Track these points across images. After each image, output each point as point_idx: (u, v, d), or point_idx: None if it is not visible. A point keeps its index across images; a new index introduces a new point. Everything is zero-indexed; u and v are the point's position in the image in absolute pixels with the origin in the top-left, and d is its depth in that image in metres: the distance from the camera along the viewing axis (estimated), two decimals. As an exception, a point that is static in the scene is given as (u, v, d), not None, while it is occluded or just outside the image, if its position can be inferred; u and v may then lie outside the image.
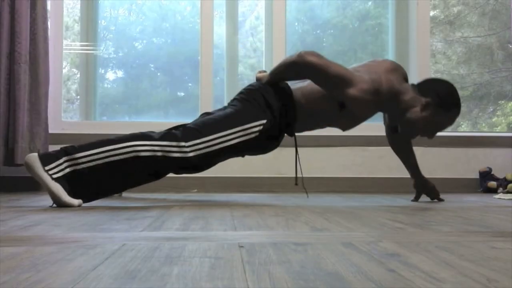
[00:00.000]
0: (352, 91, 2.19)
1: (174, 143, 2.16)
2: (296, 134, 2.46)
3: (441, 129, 2.35)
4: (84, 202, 2.10)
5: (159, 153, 2.14)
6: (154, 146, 2.14)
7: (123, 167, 2.12)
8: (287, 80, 2.38)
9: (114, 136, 2.19)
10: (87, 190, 2.10)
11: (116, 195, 2.65)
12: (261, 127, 2.25)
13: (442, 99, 2.27)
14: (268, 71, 2.43)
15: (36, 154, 2.06)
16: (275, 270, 0.89)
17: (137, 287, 0.77)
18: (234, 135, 2.22)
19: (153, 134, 2.19)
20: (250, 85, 2.43)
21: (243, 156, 2.42)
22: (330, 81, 2.21)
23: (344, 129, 2.48)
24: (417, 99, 2.28)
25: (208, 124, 2.24)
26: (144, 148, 2.13)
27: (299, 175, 2.52)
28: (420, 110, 2.27)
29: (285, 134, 2.43)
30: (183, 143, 2.16)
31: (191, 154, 2.16)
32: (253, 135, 2.24)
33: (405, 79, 2.40)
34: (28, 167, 2.04)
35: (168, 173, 2.27)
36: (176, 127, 2.29)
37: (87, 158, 2.09)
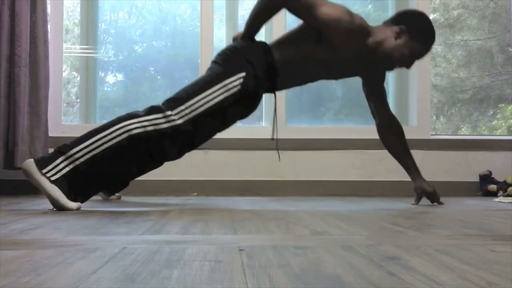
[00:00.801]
0: (325, 8, 2.23)
1: (160, 115, 2.17)
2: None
3: (418, 57, 2.37)
4: (89, 197, 2.11)
5: (150, 128, 2.15)
6: (143, 122, 2.15)
7: (120, 151, 2.12)
8: (263, 23, 2.39)
9: (101, 124, 2.19)
10: (91, 184, 2.10)
11: (114, 197, 2.65)
12: (242, 79, 2.26)
13: (415, 25, 2.32)
14: None
15: (32, 160, 2.06)
16: (275, 273, 0.89)
17: (137, 290, 0.77)
18: (217, 93, 2.23)
19: (138, 112, 2.21)
20: (227, 46, 2.44)
21: (233, 121, 2.38)
22: (302, 4, 2.25)
23: (329, 75, 2.50)
24: (389, 30, 2.32)
25: (188, 89, 2.26)
26: (134, 125, 2.14)
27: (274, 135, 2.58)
28: (394, 39, 2.30)
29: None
30: (169, 112, 2.17)
31: (179, 121, 2.17)
32: (235, 89, 2.24)
33: None
34: (26, 173, 2.04)
35: (166, 153, 2.24)
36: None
37: (83, 151, 2.09)
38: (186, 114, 2.19)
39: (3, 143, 2.97)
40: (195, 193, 3.18)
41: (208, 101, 2.22)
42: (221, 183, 3.25)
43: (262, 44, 2.40)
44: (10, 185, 3.08)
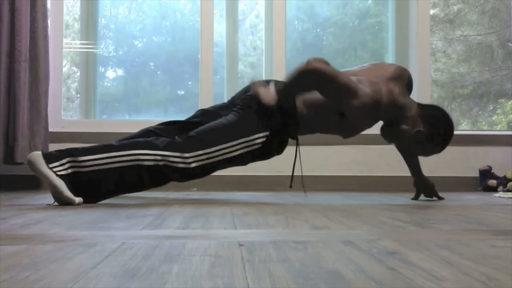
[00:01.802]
0: (354, 102, 2.19)
1: (177, 154, 2.17)
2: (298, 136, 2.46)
3: (421, 154, 2.48)
4: (89, 203, 2.11)
5: (161, 163, 2.15)
6: (157, 156, 2.15)
7: (124, 174, 2.13)
8: (296, 93, 2.34)
9: (119, 143, 2.21)
10: (87, 193, 2.10)
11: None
12: (264, 139, 2.26)
13: (434, 136, 2.33)
14: (265, 79, 2.42)
15: (39, 152, 2.07)
16: (275, 268, 0.89)
17: (137, 285, 0.77)
18: (237, 147, 2.24)
19: (157, 142, 2.19)
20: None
21: (245, 165, 2.41)
22: (335, 90, 2.21)
23: (344, 137, 2.49)
24: (416, 122, 2.33)
25: (211, 135, 2.25)
26: (147, 157, 2.14)
27: (299, 174, 2.51)
28: (412, 132, 2.33)
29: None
30: (186, 155, 2.18)
31: (193, 165, 2.19)
32: (256, 146, 2.26)
33: (409, 85, 2.43)
34: (31, 164, 2.03)
35: (168, 181, 2.26)
36: (179, 125, 2.30)
37: (90, 162, 2.09)
38: (202, 160, 2.20)
39: (3, 138, 2.97)
40: (195, 188, 3.17)
41: (226, 153, 2.23)
42: (221, 178, 3.24)
43: (291, 101, 2.35)
44: (10, 180, 3.08)
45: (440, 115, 2.41)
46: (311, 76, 2.21)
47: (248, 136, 2.25)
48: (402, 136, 2.36)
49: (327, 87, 2.22)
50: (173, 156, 2.17)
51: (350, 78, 2.23)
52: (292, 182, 2.48)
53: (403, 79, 2.39)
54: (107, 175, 2.10)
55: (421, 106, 2.38)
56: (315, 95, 2.32)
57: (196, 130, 2.29)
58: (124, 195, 2.28)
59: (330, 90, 2.23)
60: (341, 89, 2.19)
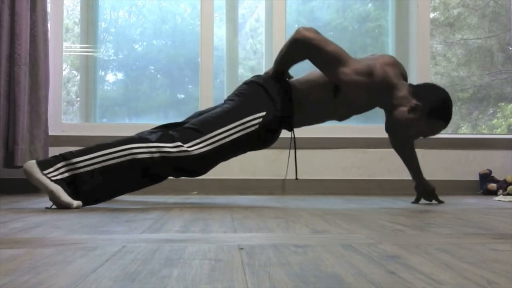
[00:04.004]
0: (345, 69, 2.21)
1: (171, 145, 2.15)
2: (295, 129, 2.45)
3: (423, 135, 2.38)
4: (82, 206, 2.11)
5: (156, 155, 2.14)
6: (151, 148, 2.14)
7: (120, 171, 2.12)
8: (290, 64, 2.36)
9: (111, 140, 2.19)
10: (85, 195, 2.10)
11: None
12: (261, 119, 2.25)
13: (431, 108, 2.28)
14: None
15: (33, 161, 2.07)
16: (275, 272, 0.89)
17: (137, 289, 0.77)
18: (234, 130, 2.22)
19: (150, 136, 2.19)
20: (252, 77, 2.43)
21: (244, 152, 2.40)
22: (326, 58, 2.22)
23: (340, 119, 2.48)
24: (408, 99, 2.30)
25: (206, 122, 2.24)
26: (141, 150, 2.13)
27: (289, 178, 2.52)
28: (407, 111, 2.29)
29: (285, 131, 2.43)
30: (179, 143, 2.16)
31: (192, 153, 2.16)
32: (253, 128, 2.24)
33: (404, 77, 2.42)
34: (27, 173, 2.04)
35: (166, 176, 2.26)
36: (173, 126, 2.29)
37: (85, 162, 2.09)
38: (200, 148, 2.18)
39: (3, 142, 2.97)
40: (195, 192, 3.17)
41: (224, 137, 2.21)
42: (221, 181, 3.25)
43: (285, 83, 2.38)
44: (10, 184, 3.08)
45: (431, 86, 2.42)
46: (302, 45, 2.23)
47: (245, 117, 2.24)
48: (400, 120, 2.31)
49: (318, 55, 2.23)
50: (168, 147, 2.15)
51: (342, 48, 2.25)
52: (297, 175, 2.52)
53: (397, 66, 2.39)
54: (104, 174, 2.10)
55: (412, 85, 2.38)
56: (309, 75, 2.37)
57: (191, 122, 2.29)
58: (124, 198, 2.28)
59: (321, 58, 2.24)
60: (332, 56, 2.21)
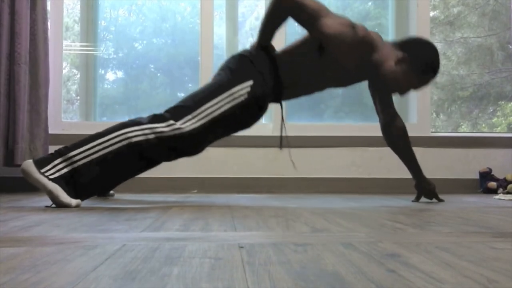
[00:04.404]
0: (328, 21, 2.21)
1: (163, 124, 2.16)
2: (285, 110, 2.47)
3: (413, 88, 2.37)
4: (85, 198, 2.11)
5: (151, 136, 2.14)
6: (145, 130, 2.14)
7: (118, 157, 2.12)
8: (273, 30, 2.36)
9: (104, 129, 2.19)
10: (87, 187, 2.10)
11: (109, 196, 2.63)
12: (249, 88, 2.24)
13: (419, 58, 2.29)
14: None
15: (30, 161, 2.07)
16: (275, 270, 0.89)
17: (137, 287, 0.77)
18: (224, 101, 2.21)
19: (142, 119, 2.19)
20: (235, 54, 2.43)
21: (235, 130, 2.37)
22: (308, 13, 2.22)
23: (329, 84, 2.48)
24: (394, 53, 2.31)
25: (195, 98, 2.24)
26: (135, 133, 2.13)
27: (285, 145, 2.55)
28: (394, 64, 2.29)
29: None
30: (171, 122, 2.16)
31: (184, 130, 2.16)
32: (242, 98, 2.22)
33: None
34: (25, 173, 2.04)
35: (163, 157, 2.25)
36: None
37: (81, 155, 2.09)
38: (193, 123, 2.17)
39: (3, 141, 2.97)
40: (195, 190, 3.18)
41: (214, 110, 2.20)
42: (221, 180, 3.25)
43: (269, 53, 2.39)
44: (10, 183, 3.08)
45: (415, 38, 2.42)
46: (282, 4, 2.23)
47: (232, 87, 2.23)
48: (388, 74, 2.30)
49: (299, 10, 2.23)
50: (161, 127, 2.15)
51: (323, 4, 2.26)
52: (281, 144, 2.54)
53: (379, 36, 2.39)
54: (102, 163, 2.10)
55: (395, 42, 2.39)
56: (292, 44, 2.39)
57: (180, 100, 2.29)
58: (124, 196, 2.28)
59: (303, 13, 2.23)
60: (314, 10, 2.22)
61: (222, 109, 2.21)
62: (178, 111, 2.20)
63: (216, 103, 2.21)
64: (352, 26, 2.24)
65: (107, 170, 2.12)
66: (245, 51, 2.41)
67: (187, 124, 2.17)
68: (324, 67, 2.34)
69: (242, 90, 2.23)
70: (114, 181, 2.24)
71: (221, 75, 2.33)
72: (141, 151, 2.14)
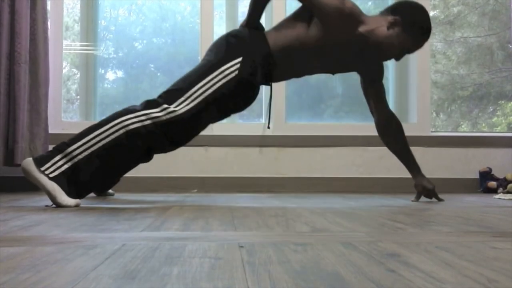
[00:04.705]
0: None
1: (157, 109, 2.16)
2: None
3: (408, 50, 2.37)
4: (86, 194, 2.12)
5: (147, 122, 2.14)
6: (141, 116, 2.15)
7: (118, 146, 2.12)
8: (262, 6, 2.37)
9: (99, 121, 2.20)
10: (88, 181, 2.10)
11: (109, 196, 2.63)
12: (239, 65, 2.24)
13: (410, 18, 2.29)
14: None
15: (30, 159, 2.07)
16: (275, 270, 0.89)
17: (137, 287, 0.77)
18: (214, 80, 2.22)
19: (135, 106, 2.20)
20: (224, 34, 2.44)
21: (227, 112, 2.36)
22: None
23: (324, 68, 2.50)
24: (384, 18, 2.32)
25: (187, 79, 2.25)
26: (132, 121, 2.14)
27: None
28: (386, 28, 2.30)
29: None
30: (165, 105, 2.16)
31: (178, 113, 2.17)
32: (233, 75, 2.23)
33: None
34: (25, 172, 2.04)
35: (163, 145, 2.24)
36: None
37: (80, 148, 2.10)
38: (186, 105, 2.18)
39: (3, 140, 2.97)
40: (195, 190, 3.18)
41: (206, 89, 2.21)
42: (221, 180, 3.25)
43: (259, 31, 2.40)
44: (10, 182, 3.08)
45: (409, 1, 2.40)
46: None
47: (222, 66, 2.24)
48: (381, 39, 2.30)
49: None
50: (156, 112, 2.16)
51: None
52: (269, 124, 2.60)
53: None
54: (102, 156, 2.11)
55: (383, 10, 2.40)
56: (280, 22, 2.41)
57: (172, 84, 2.29)
58: (124, 196, 2.28)
59: None
60: None
61: (214, 87, 2.21)
62: (171, 95, 2.21)
63: (207, 82, 2.22)
64: None
65: (107, 161, 2.13)
66: (233, 30, 2.43)
67: (181, 106, 2.18)
68: (312, 41, 2.32)
69: (232, 67, 2.24)
70: (115, 173, 2.23)
71: (210, 56, 2.33)
72: (139, 138, 2.14)
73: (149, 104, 2.19)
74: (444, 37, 4.06)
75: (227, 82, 2.23)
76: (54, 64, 3.29)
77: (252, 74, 2.29)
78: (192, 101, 2.19)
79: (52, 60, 3.23)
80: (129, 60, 3.74)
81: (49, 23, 3.23)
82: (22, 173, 2.08)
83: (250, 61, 2.27)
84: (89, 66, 3.60)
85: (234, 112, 2.39)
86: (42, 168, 2.04)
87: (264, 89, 3.18)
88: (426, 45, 3.49)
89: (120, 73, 3.79)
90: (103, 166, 2.13)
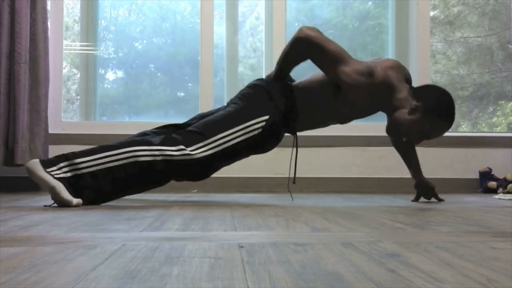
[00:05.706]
0: (346, 69, 2.22)
1: (174, 148, 2.15)
2: (298, 133, 2.45)
3: (426, 137, 2.34)
4: (84, 204, 2.11)
5: (159, 158, 2.13)
6: (154, 151, 2.14)
7: (122, 173, 2.12)
8: (292, 65, 2.36)
9: (114, 141, 2.20)
10: (87, 195, 2.10)
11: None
12: (264, 123, 2.25)
13: (433, 108, 2.26)
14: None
15: (37, 160, 2.08)
16: (275, 270, 0.89)
17: (137, 287, 0.77)
18: (238, 134, 2.22)
19: (153, 139, 2.19)
20: (254, 81, 2.43)
21: (246, 157, 2.39)
22: (327, 57, 2.24)
23: (342, 121, 2.47)
24: (409, 101, 2.28)
25: (210, 126, 2.24)
26: (144, 153, 2.13)
27: (293, 175, 2.51)
28: (408, 112, 2.27)
29: (288, 134, 2.43)
30: (182, 147, 2.16)
31: (196, 156, 2.16)
32: (256, 132, 2.24)
33: (408, 81, 2.40)
34: (30, 171, 2.05)
35: (167, 179, 2.24)
36: (176, 127, 2.29)
37: (87, 163, 2.10)
38: (203, 151, 2.18)
39: (3, 140, 2.97)
40: (195, 190, 3.17)
41: (228, 141, 2.21)
42: (221, 180, 3.25)
43: (287, 86, 2.38)
44: (10, 182, 3.08)
45: (430, 86, 2.40)
46: (304, 43, 2.25)
47: (248, 121, 2.24)
48: (401, 121, 2.28)
49: (319, 54, 2.25)
50: (171, 150, 2.15)
51: (343, 48, 2.28)
52: (295, 179, 2.50)
53: (401, 70, 2.37)
54: (106, 176, 2.10)
55: (413, 87, 2.36)
56: (311, 78, 2.39)
57: (194, 125, 2.29)
58: (124, 197, 2.28)
59: (322, 57, 2.25)
60: (334, 56, 2.23)
61: (235, 141, 2.22)
62: (191, 137, 2.20)
63: (230, 134, 2.22)
64: (370, 73, 2.23)
65: (109, 183, 2.12)
66: (262, 80, 2.41)
67: (198, 151, 2.17)
68: (339, 104, 2.34)
69: (257, 124, 2.25)
70: (114, 195, 2.21)
71: (238, 105, 2.32)
72: (145, 170, 2.14)
73: (167, 140, 2.18)
74: (444, 37, 4.06)
75: (249, 137, 2.24)
76: (54, 64, 3.29)
77: (276, 131, 2.31)
78: (211, 148, 2.19)
79: (52, 60, 3.23)
80: (129, 60, 3.74)
81: (49, 23, 3.24)
82: (22, 173, 2.09)
83: (275, 120, 2.28)
84: (89, 66, 3.60)
85: (253, 154, 2.41)
86: (48, 170, 2.04)
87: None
88: (426, 46, 3.51)
89: (120, 73, 3.79)
90: (103, 186, 2.12)
